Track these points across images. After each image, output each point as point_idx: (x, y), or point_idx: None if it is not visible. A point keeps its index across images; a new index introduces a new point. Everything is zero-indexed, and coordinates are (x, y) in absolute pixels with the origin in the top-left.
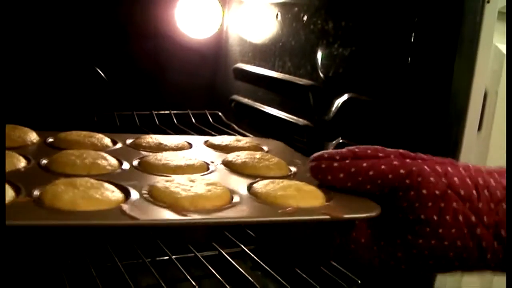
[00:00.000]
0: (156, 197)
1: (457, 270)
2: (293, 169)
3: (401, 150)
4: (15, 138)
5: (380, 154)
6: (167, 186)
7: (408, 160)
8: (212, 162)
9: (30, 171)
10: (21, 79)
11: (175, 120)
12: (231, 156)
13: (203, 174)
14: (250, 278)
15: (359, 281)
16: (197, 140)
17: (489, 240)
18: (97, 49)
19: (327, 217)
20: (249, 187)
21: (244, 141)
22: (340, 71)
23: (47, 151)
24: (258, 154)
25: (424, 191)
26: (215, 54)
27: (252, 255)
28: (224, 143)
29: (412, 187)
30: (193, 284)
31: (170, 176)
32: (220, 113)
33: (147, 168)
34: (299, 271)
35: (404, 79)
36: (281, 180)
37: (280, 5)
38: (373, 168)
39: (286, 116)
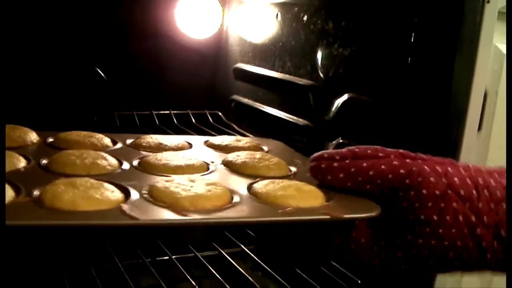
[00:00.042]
0: (156, 197)
1: (457, 270)
2: (293, 169)
3: (401, 150)
4: (15, 138)
5: (380, 154)
6: (167, 186)
7: (408, 160)
8: (212, 162)
9: (30, 171)
10: (21, 79)
11: (175, 120)
12: (231, 156)
13: (203, 174)
14: (250, 278)
15: (359, 281)
16: (197, 140)
17: (489, 240)
18: (97, 49)
19: (327, 217)
20: (249, 187)
21: (244, 141)
22: (340, 71)
23: (47, 151)
24: (258, 154)
25: (424, 191)
26: (215, 54)
27: (252, 255)
28: (224, 143)
29: (412, 187)
30: (193, 284)
31: (170, 176)
32: (220, 113)
33: (147, 168)
34: (299, 271)
35: (404, 79)
36: (281, 180)
37: (280, 5)
38: (373, 168)
39: (286, 116)
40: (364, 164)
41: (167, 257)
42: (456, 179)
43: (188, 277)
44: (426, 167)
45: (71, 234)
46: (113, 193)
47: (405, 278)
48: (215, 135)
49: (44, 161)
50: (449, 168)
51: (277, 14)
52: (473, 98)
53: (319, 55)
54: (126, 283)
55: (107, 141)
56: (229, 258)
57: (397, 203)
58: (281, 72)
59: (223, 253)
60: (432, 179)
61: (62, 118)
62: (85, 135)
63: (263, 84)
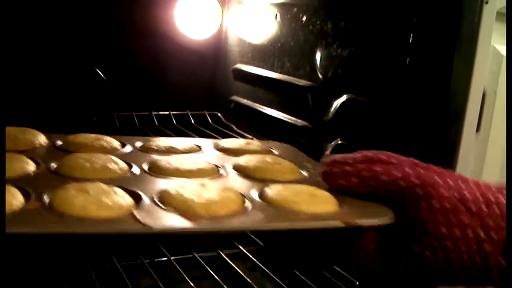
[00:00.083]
0: (168, 203)
1: (461, 284)
2: (304, 173)
3: (414, 160)
4: (23, 140)
5: (393, 160)
6: (179, 191)
7: (421, 170)
8: (223, 166)
9: (39, 175)
10: (20, 80)
11: (174, 121)
12: (242, 160)
13: (214, 178)
14: (248, 280)
15: (357, 283)
16: (206, 143)
17: (496, 257)
18: (97, 50)
19: (342, 225)
20: (262, 192)
21: (254, 144)
22: (338, 72)
23: (56, 154)
24: (269, 158)
25: (435, 203)
26: (215, 54)
27: (251, 256)
28: (234, 147)
29: (423, 197)
30: (191, 285)
31: (181, 181)
32: (219, 114)
33: (158, 172)
34: (297, 272)
35: (402, 80)
36: (293, 185)
37: (279, 6)
38: (385, 173)
39: (285, 117)
40: (377, 169)
41: (165, 258)
42: (467, 193)
43: (187, 278)
44: (438, 179)
45: (80, 240)
46: (124, 199)
47: (405, 284)
48: (214, 136)
49: (53, 165)
50: (460, 183)
51: (276, 15)
52: (472, 99)
53: (318, 55)
54: (125, 284)
55: (116, 143)
56: (227, 259)
57: (406, 212)
58: (280, 73)
59: (222, 254)
60: (443, 191)
61: (62, 119)
62: (94, 137)
63: (262, 85)
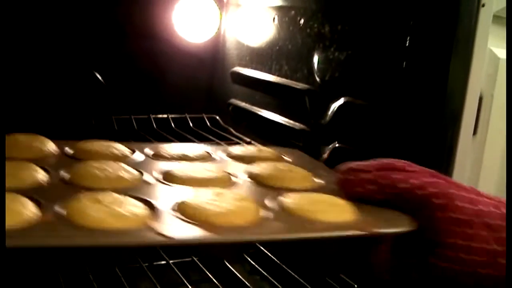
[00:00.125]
0: (185, 213)
1: None
2: (319, 180)
3: (431, 170)
4: (32, 148)
5: (410, 169)
6: (195, 201)
7: (438, 180)
8: (236, 174)
9: (50, 185)
10: (18, 83)
11: (172, 124)
12: (256, 168)
13: (228, 187)
14: (247, 283)
15: (356, 285)
16: (217, 150)
17: None
18: (95, 53)
19: (366, 233)
20: (278, 201)
21: (266, 151)
22: (336, 75)
23: (66, 162)
24: (282, 166)
25: (451, 214)
26: (213, 57)
27: (250, 260)
28: (246, 154)
29: (439, 208)
30: None
31: (195, 190)
32: (217, 117)
33: (171, 180)
34: (295, 275)
35: (399, 83)
36: (309, 194)
37: (277, 9)
38: (402, 181)
39: (283, 120)
40: (394, 176)
41: (164, 262)
42: (482, 207)
43: (186, 281)
44: (454, 191)
45: (96, 252)
46: (139, 209)
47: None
48: (213, 139)
49: (64, 173)
50: (475, 196)
51: (274, 18)
52: (468, 102)
53: (316, 59)
54: (123, 286)
55: (126, 151)
56: (226, 263)
57: (421, 222)
58: (278, 76)
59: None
60: (459, 203)
61: (60, 122)
62: (105, 145)
63: (260, 88)
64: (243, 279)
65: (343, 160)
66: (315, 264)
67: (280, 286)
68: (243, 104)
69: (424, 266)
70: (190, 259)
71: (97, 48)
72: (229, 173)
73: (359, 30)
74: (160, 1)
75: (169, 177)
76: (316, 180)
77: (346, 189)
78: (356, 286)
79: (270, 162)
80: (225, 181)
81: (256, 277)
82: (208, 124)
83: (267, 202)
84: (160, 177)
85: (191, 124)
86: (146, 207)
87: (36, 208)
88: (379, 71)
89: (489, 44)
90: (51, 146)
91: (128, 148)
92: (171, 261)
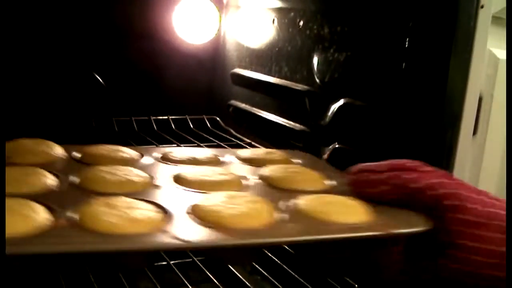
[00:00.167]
0: (199, 216)
1: None
2: (330, 182)
3: (443, 171)
4: (40, 153)
5: (421, 169)
6: (209, 204)
7: (449, 182)
8: (248, 177)
9: (61, 190)
10: (18, 86)
11: (173, 125)
12: (267, 171)
13: (241, 190)
14: (248, 283)
15: (356, 285)
16: (225, 153)
17: None
18: (95, 55)
19: (383, 233)
20: (291, 203)
21: (275, 154)
22: (335, 76)
23: (76, 166)
24: (294, 168)
25: (461, 216)
26: (213, 59)
27: None
28: (256, 157)
29: (450, 209)
30: None
31: (208, 193)
32: (218, 118)
33: (183, 184)
34: (296, 275)
35: (398, 84)
36: (323, 195)
37: (277, 10)
38: (414, 182)
39: (283, 121)
40: (406, 176)
41: (165, 262)
42: (492, 209)
43: (186, 282)
44: (464, 192)
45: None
46: (151, 213)
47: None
48: (213, 141)
49: (74, 178)
50: (485, 198)
51: (273, 19)
52: (468, 103)
53: (315, 60)
54: (123, 286)
55: (135, 154)
56: None
57: (432, 222)
58: (277, 77)
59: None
60: (469, 205)
61: (61, 124)
62: (113, 149)
63: (260, 89)
64: (243, 280)
65: (343, 161)
66: (324, 266)
67: (280, 287)
68: (243, 106)
69: (434, 268)
70: (190, 259)
71: (97, 49)
72: (239, 176)
73: (359, 31)
74: (160, 3)
75: (180, 181)
76: (327, 181)
77: (357, 190)
78: (356, 286)
79: (280, 164)
80: (236, 184)
81: (257, 277)
82: (209, 125)
83: (281, 204)
84: (171, 180)
85: (191, 126)
86: (159, 210)
87: (48, 213)
88: (378, 72)
89: (489, 44)
90: (58, 151)
91: (137, 152)
92: (171, 262)
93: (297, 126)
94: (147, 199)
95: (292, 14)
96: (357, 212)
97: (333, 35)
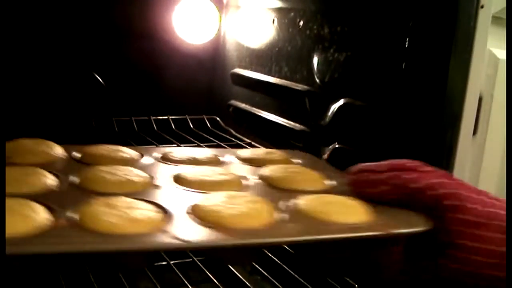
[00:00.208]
0: (199, 216)
1: None
2: (330, 182)
3: (444, 171)
4: (40, 153)
5: (421, 169)
6: (209, 204)
7: (449, 182)
8: (248, 177)
9: (61, 190)
10: (18, 85)
11: (173, 125)
12: (267, 171)
13: (241, 190)
14: (248, 283)
15: (356, 285)
16: (225, 153)
17: None
18: (95, 55)
19: (384, 233)
20: (291, 203)
21: (275, 154)
22: (335, 76)
23: (75, 166)
24: (294, 168)
25: (461, 216)
26: (213, 59)
27: None
28: (255, 157)
29: (449, 209)
30: None
31: (207, 193)
32: (218, 118)
33: (183, 184)
34: (296, 275)
35: (398, 84)
36: (323, 195)
37: (277, 10)
38: (414, 182)
39: (283, 121)
40: (405, 177)
41: (165, 262)
42: (492, 209)
43: (186, 282)
44: (464, 192)
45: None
46: (151, 212)
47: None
48: (213, 141)
49: (74, 178)
50: (485, 198)
51: (273, 20)
52: (468, 102)
53: (315, 60)
54: (123, 286)
55: (135, 154)
56: None
57: (432, 222)
58: (278, 77)
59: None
60: (469, 205)
61: (60, 124)
62: (113, 149)
63: (260, 89)
64: (243, 280)
65: (343, 161)
66: (324, 266)
67: (280, 287)
68: (243, 106)
69: (434, 268)
70: (190, 259)
71: (97, 50)
72: (239, 176)
73: (358, 31)
74: (160, 2)
75: (179, 181)
76: (327, 181)
77: (357, 190)
78: (356, 286)
79: (280, 164)
80: (236, 184)
81: (257, 277)
82: (209, 125)
83: (281, 204)
84: (171, 181)
85: (191, 126)
86: (159, 210)
87: (48, 213)
88: (378, 72)
89: (489, 44)
90: (58, 151)
91: (137, 152)
92: (171, 262)
93: (297, 126)
94: (147, 199)
95: (292, 14)
96: (357, 212)
97: (333, 35)
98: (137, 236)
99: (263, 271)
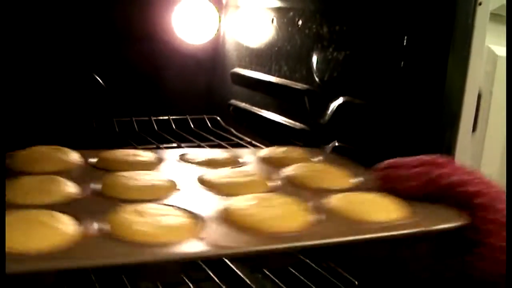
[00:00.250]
0: (233, 221)
1: None
2: (356, 179)
3: (469, 168)
4: (57, 160)
5: (451, 166)
6: (242, 208)
7: (478, 179)
8: (273, 178)
9: (84, 198)
10: (19, 87)
11: (173, 125)
12: (292, 170)
13: (268, 191)
14: (248, 282)
15: (356, 282)
16: (243, 153)
17: None
18: (95, 56)
19: (429, 228)
20: (324, 203)
21: (295, 152)
22: (334, 75)
23: (94, 173)
24: (317, 166)
25: (490, 215)
26: (213, 59)
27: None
28: (276, 156)
29: (480, 208)
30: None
31: (235, 196)
32: (218, 118)
33: (208, 187)
34: (296, 272)
35: (397, 82)
36: (353, 193)
37: (276, 10)
38: (444, 177)
39: (283, 120)
40: (437, 172)
41: None
42: None
43: (187, 280)
44: (493, 191)
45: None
46: (182, 218)
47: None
48: (214, 140)
49: (96, 185)
50: None
51: (272, 19)
52: (467, 100)
53: (314, 59)
54: (125, 286)
55: (152, 158)
56: (227, 261)
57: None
58: (277, 77)
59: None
60: (498, 204)
61: (62, 125)
62: (130, 153)
63: (260, 88)
64: (244, 278)
65: None
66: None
67: (281, 285)
68: (243, 105)
69: (459, 265)
70: None
71: (97, 51)
72: (264, 177)
73: (357, 30)
74: (159, 3)
75: (204, 184)
76: (353, 178)
77: (387, 186)
78: (356, 283)
79: (300, 163)
80: (262, 185)
81: (258, 276)
82: (209, 125)
83: (312, 204)
84: (195, 184)
85: (192, 125)
86: (189, 216)
87: (76, 223)
88: (377, 71)
89: (487, 41)
90: (74, 157)
91: (153, 155)
92: None
93: (297, 124)
94: (174, 204)
95: (291, 13)
96: (391, 209)
97: (332, 34)
98: (173, 244)
99: (265, 271)
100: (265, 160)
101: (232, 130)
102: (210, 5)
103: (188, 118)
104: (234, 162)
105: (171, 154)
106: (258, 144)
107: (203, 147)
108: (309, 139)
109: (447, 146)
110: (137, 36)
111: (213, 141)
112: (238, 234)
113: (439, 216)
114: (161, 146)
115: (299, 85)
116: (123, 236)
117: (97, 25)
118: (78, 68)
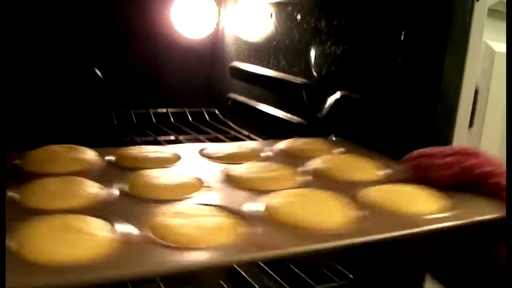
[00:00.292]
0: (277, 219)
1: None
2: (385, 170)
3: (498, 160)
4: (74, 160)
5: (481, 155)
6: (282, 205)
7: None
8: (297, 171)
9: (112, 200)
10: (18, 80)
11: (172, 118)
12: (320, 162)
13: (297, 185)
14: (244, 275)
15: (351, 276)
16: (263, 146)
17: None
18: (94, 49)
19: (472, 220)
20: (362, 197)
21: (316, 143)
22: (332, 69)
23: (116, 172)
24: (345, 157)
25: None
26: (212, 53)
27: None
28: (296, 147)
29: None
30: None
31: (268, 192)
32: (217, 111)
33: (236, 183)
34: (292, 266)
35: (394, 77)
36: (389, 186)
37: (275, 4)
38: (477, 167)
39: (281, 114)
40: (470, 162)
41: None
42: None
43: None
44: None
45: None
46: (225, 219)
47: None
48: (211, 133)
49: (121, 186)
50: None
51: (271, 14)
52: (464, 95)
53: (312, 53)
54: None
55: (171, 154)
56: None
57: None
58: (275, 71)
59: None
60: None
61: (60, 118)
62: (147, 150)
63: (258, 82)
64: (242, 272)
65: None
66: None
67: (277, 278)
68: (242, 98)
69: (488, 259)
70: None
71: (96, 44)
72: (290, 171)
73: (355, 25)
74: None
75: (232, 180)
76: (382, 170)
77: (419, 175)
78: (352, 277)
79: (323, 155)
80: (291, 179)
81: (255, 269)
82: (208, 118)
83: (350, 198)
84: (222, 180)
85: (190, 119)
86: (228, 215)
87: (112, 228)
88: (375, 65)
89: (485, 37)
90: (91, 156)
91: (172, 151)
92: None
93: (294, 118)
94: (207, 203)
95: (289, 8)
96: (431, 200)
97: (330, 29)
98: (224, 247)
99: (260, 263)
100: (287, 153)
101: (230, 123)
102: None
103: (187, 111)
104: (255, 156)
105: (190, 149)
106: (256, 138)
107: (201, 140)
108: (306, 133)
109: (444, 141)
110: (137, 30)
111: (210, 134)
112: (286, 233)
113: (478, 208)
114: (158, 138)
115: (297, 79)
116: (165, 241)
117: (96, 19)
118: (77, 62)
